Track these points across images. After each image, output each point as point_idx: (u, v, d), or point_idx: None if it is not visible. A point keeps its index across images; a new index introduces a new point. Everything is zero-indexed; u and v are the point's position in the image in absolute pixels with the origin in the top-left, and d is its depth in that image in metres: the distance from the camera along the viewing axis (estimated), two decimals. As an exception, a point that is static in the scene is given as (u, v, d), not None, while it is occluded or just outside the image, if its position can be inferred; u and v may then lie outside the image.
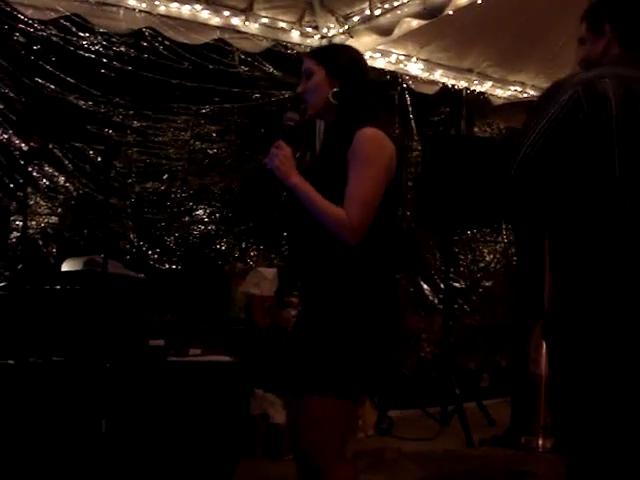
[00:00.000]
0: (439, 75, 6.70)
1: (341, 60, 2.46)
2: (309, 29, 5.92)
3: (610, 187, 1.84)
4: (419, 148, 6.57)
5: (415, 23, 5.48)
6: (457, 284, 6.89)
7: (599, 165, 1.86)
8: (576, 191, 1.89)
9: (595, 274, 1.85)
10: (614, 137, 1.87)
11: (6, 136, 4.89)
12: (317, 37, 5.92)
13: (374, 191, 2.31)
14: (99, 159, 5.17)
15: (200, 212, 5.64)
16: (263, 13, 5.71)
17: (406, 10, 5.38)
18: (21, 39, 4.97)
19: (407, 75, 6.59)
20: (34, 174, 4.99)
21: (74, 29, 5.14)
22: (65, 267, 4.02)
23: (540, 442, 4.77)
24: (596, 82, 1.94)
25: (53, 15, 5.00)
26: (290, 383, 2.44)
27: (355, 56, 2.54)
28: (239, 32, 5.66)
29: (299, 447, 2.40)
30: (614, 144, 1.86)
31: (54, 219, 5.08)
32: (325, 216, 2.29)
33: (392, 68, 6.47)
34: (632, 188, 1.84)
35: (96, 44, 5.24)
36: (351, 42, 5.69)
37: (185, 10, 5.40)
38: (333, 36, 5.86)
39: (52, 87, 5.08)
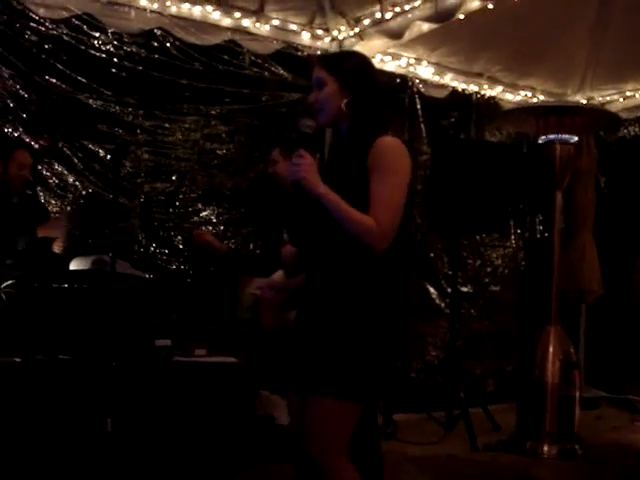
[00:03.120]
0: (449, 79, 6.68)
1: (352, 70, 2.47)
2: (320, 31, 5.91)
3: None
4: (428, 152, 6.55)
5: (426, 27, 5.47)
6: (464, 288, 6.88)
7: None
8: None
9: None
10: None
11: (16, 134, 4.91)
12: (327, 39, 5.92)
13: (400, 198, 2.35)
14: (108, 158, 5.19)
15: (208, 213, 5.65)
16: (274, 15, 5.71)
17: (417, 14, 5.37)
18: (32, 38, 4.99)
19: (417, 79, 6.58)
20: (44, 172, 5.01)
21: (85, 28, 5.16)
22: (73, 266, 4.03)
23: (545, 448, 4.75)
24: None
25: (65, 14, 5.01)
26: (297, 383, 2.45)
27: (365, 63, 2.56)
28: (250, 33, 5.66)
29: (304, 447, 2.39)
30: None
31: (63, 217, 5.09)
32: (355, 224, 2.30)
33: (402, 71, 6.45)
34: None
35: (107, 44, 5.25)
36: (361, 45, 5.69)
37: (196, 11, 5.41)
38: (344, 39, 5.85)
39: (63, 86, 5.10)
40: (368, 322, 2.33)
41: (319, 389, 2.32)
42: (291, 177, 2.34)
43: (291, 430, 2.63)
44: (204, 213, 5.63)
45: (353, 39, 5.81)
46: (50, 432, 3.25)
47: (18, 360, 3.30)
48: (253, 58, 5.79)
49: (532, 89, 7.09)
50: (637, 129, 7.35)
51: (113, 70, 5.27)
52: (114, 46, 5.27)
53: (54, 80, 5.06)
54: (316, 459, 2.35)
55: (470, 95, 6.91)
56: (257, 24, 5.65)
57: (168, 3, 5.29)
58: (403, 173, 2.38)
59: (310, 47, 5.92)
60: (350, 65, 2.49)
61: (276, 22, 5.74)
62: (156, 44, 5.42)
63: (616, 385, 6.66)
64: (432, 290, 6.67)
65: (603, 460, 4.69)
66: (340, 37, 5.87)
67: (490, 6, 5.16)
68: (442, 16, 5.24)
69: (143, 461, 3.41)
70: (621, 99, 7.13)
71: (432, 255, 6.72)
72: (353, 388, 2.31)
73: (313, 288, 2.49)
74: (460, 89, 6.81)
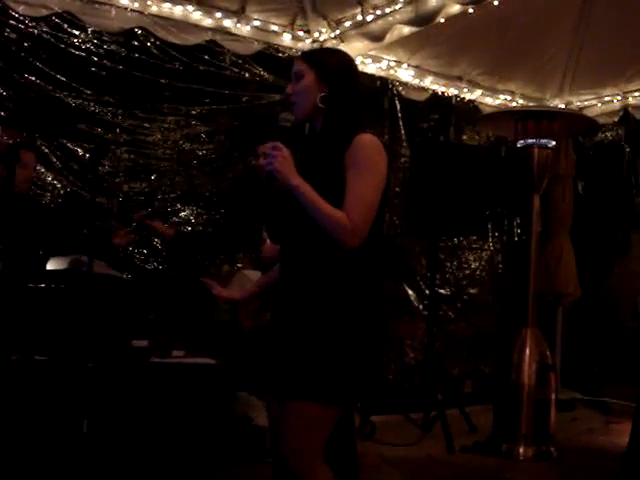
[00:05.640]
0: (429, 82, 6.73)
1: (332, 64, 2.45)
2: (301, 33, 5.93)
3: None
4: (407, 154, 6.59)
5: (406, 30, 5.50)
6: (442, 290, 6.91)
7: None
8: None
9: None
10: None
11: (-6, 132, 4.88)
12: (308, 41, 5.93)
13: (375, 196, 2.33)
14: (87, 157, 5.16)
15: (187, 213, 5.63)
16: (255, 16, 5.71)
17: (398, 17, 5.40)
18: (12, 35, 4.95)
19: (397, 81, 6.61)
20: (22, 171, 4.97)
21: (65, 26, 5.12)
22: (50, 266, 4.00)
23: (521, 450, 4.79)
24: None
25: (45, 12, 4.98)
26: (274, 386, 2.44)
27: (346, 61, 2.53)
28: (231, 34, 5.66)
29: (280, 450, 2.39)
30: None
31: (41, 217, 5.05)
32: (327, 218, 2.28)
33: (382, 74, 6.48)
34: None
35: (87, 42, 5.23)
36: (342, 47, 5.69)
37: (177, 11, 5.40)
38: (324, 40, 5.87)
39: (42, 84, 5.06)
40: (343, 323, 2.32)
41: (295, 394, 2.31)
42: (265, 168, 2.33)
43: (271, 433, 2.63)
44: (183, 213, 5.62)
45: (334, 41, 5.83)
46: (26, 433, 3.23)
47: (-6, 360, 3.28)
48: (234, 58, 5.78)
49: (511, 93, 7.14)
50: (614, 134, 7.43)
51: (93, 69, 5.25)
52: (94, 45, 5.24)
53: (33, 78, 5.03)
54: (290, 460, 2.34)
55: (450, 98, 6.95)
56: (238, 24, 5.64)
57: (149, 2, 5.28)
58: (380, 172, 2.36)
59: (291, 48, 5.93)
60: (330, 60, 2.47)
61: (257, 23, 5.74)
62: (136, 43, 5.40)
63: (592, 387, 6.71)
64: (410, 292, 6.69)
65: (578, 462, 4.73)
66: (321, 39, 5.89)
67: (470, 10, 5.19)
68: (423, 19, 5.28)
69: (120, 462, 3.40)
70: (599, 104, 7.20)
71: (410, 257, 6.74)
72: (330, 392, 2.29)
73: (288, 287, 2.48)
74: (440, 92, 6.85)
